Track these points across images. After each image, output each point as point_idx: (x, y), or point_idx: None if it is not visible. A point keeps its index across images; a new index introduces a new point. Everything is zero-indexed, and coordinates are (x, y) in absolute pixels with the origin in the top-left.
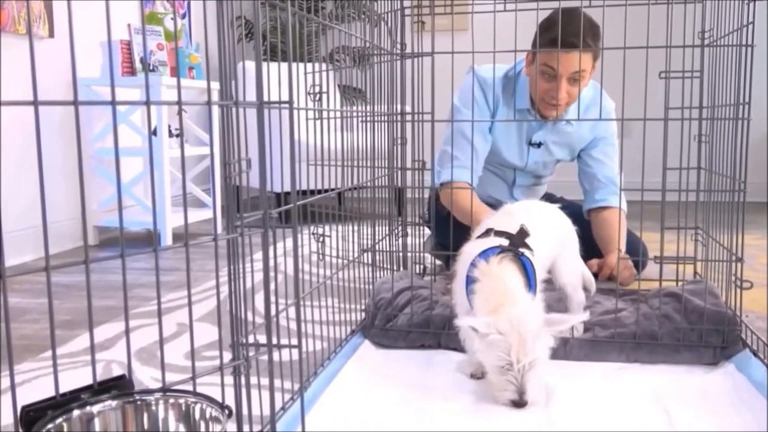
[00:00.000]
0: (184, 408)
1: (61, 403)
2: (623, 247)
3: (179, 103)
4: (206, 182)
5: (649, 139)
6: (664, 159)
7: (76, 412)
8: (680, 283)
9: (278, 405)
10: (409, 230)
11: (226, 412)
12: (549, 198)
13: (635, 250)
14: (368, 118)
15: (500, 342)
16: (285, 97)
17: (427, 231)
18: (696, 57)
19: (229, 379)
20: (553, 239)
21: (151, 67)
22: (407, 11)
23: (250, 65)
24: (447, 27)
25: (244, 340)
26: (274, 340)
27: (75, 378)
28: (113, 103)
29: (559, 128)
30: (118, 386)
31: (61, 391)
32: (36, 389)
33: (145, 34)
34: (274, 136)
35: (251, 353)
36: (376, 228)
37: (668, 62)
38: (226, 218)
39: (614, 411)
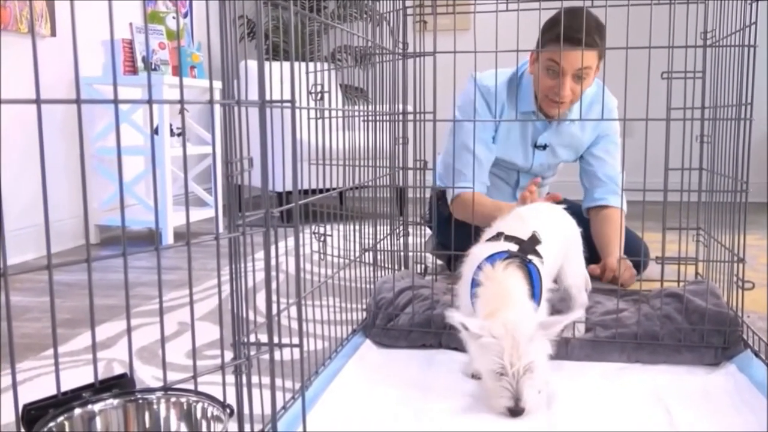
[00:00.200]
0: (185, 407)
1: (63, 401)
2: (622, 251)
3: (181, 101)
4: (207, 181)
5: (651, 140)
6: (666, 159)
7: (77, 411)
8: (682, 284)
9: (279, 404)
10: (410, 230)
11: (228, 411)
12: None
13: (636, 250)
14: (370, 118)
15: (493, 346)
16: (287, 96)
17: (428, 231)
18: (698, 57)
19: (230, 378)
20: (561, 243)
21: (152, 66)
22: (409, 11)
23: (252, 64)
24: (449, 27)
25: (246, 339)
26: (276, 340)
27: (76, 377)
28: (115, 101)
29: (564, 129)
30: (120, 385)
31: (63, 389)
32: (37, 388)
33: (147, 33)
34: (275, 136)
35: (252, 352)
36: (378, 227)
37: (670, 62)
38: (228, 217)
39: (615, 411)
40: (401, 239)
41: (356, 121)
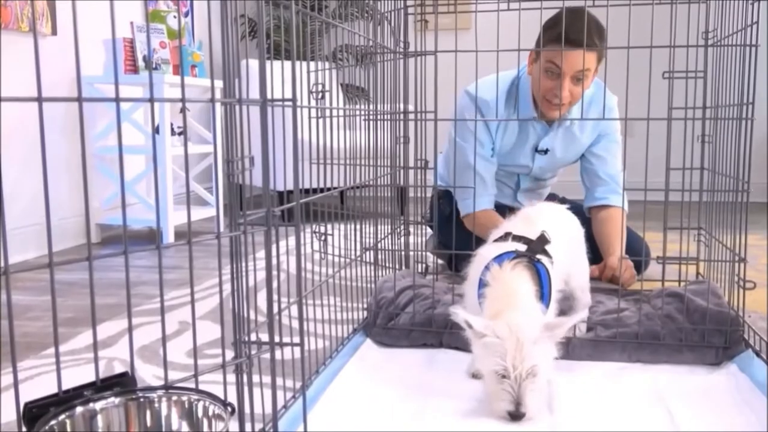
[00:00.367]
0: (186, 405)
1: (64, 399)
2: (623, 251)
3: (183, 100)
4: (208, 180)
5: (652, 139)
6: (668, 159)
7: (79, 409)
8: (683, 284)
9: (280, 403)
10: (411, 229)
11: (229, 409)
12: (551, 198)
13: (638, 250)
14: (371, 117)
15: (497, 346)
16: (288, 95)
17: (429, 230)
18: (700, 57)
19: (231, 377)
20: (568, 244)
21: (153, 66)
22: (410, 10)
23: (254, 63)
24: (450, 26)
25: (247, 338)
26: (277, 339)
27: (77, 376)
28: (117, 100)
29: (565, 133)
30: (121, 383)
31: (64, 388)
32: (37, 387)
33: (149, 32)
34: (276, 135)
35: (253, 351)
36: (378, 227)
37: (672, 62)
38: (229, 216)
39: (616, 411)
40: (402, 238)
41: (357, 120)
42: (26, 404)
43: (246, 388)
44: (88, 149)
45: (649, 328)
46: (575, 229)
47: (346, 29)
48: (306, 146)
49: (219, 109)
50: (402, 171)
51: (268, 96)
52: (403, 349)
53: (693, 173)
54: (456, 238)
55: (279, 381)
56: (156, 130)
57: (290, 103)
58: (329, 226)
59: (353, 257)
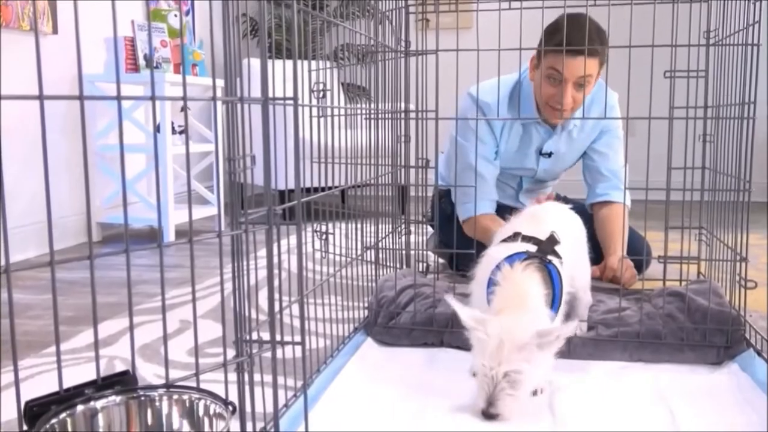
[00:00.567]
0: (188, 404)
1: (65, 398)
2: (624, 247)
3: (184, 98)
4: (208, 179)
5: (654, 138)
6: (669, 158)
7: (80, 408)
8: (684, 283)
9: (281, 402)
10: (412, 228)
11: (230, 408)
12: (555, 198)
13: (639, 249)
14: (372, 116)
15: (485, 344)
16: (289, 94)
17: (430, 229)
18: (701, 56)
19: (232, 376)
20: (573, 244)
21: (154, 64)
22: (411, 8)
23: (255, 62)
24: (451, 25)
25: (248, 337)
26: (278, 337)
27: (77, 374)
28: (118, 98)
29: (568, 136)
30: (122, 382)
31: (64, 387)
32: (38, 385)
33: (150, 31)
34: (278, 134)
35: (254, 350)
36: (379, 226)
37: (673, 61)
38: (230, 215)
39: (618, 410)
40: (403, 237)
41: (358, 119)
42: (27, 402)
43: (247, 387)
44: (89, 148)
45: (651, 327)
46: (579, 229)
47: (347, 28)
48: (307, 145)
49: (220, 107)
50: (403, 170)
51: (270, 94)
52: (404, 348)
53: (694, 172)
54: (457, 238)
55: (280, 380)
56: (157, 129)
57: (291, 102)
58: (330, 225)
59: (354, 256)
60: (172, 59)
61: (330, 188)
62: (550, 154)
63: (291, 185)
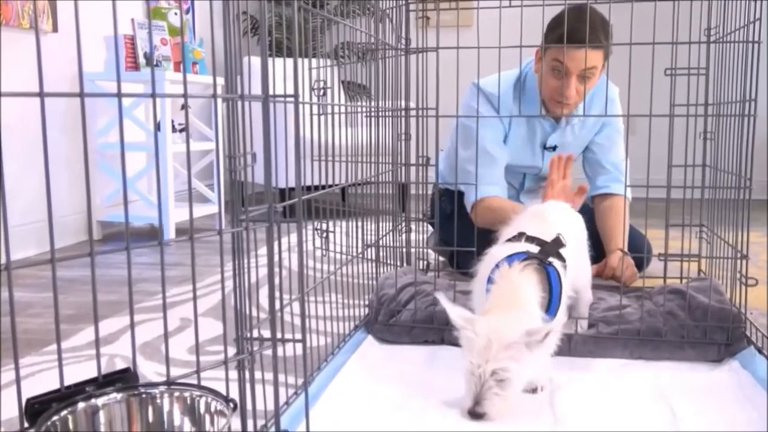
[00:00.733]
0: (189, 402)
1: (66, 395)
2: (625, 243)
3: (185, 96)
4: (209, 178)
5: (655, 136)
6: (670, 156)
7: (81, 405)
8: (685, 280)
9: (282, 399)
10: (412, 226)
11: (231, 405)
12: None
13: (639, 247)
14: (372, 114)
15: (473, 343)
16: (289, 91)
17: (431, 227)
18: (702, 54)
19: (233, 374)
20: (575, 244)
21: (155, 62)
22: (411, 6)
23: (255, 60)
24: (452, 22)
25: (249, 335)
26: (278, 335)
27: (78, 372)
28: (119, 95)
29: (572, 129)
30: (123, 379)
31: (65, 384)
32: (39, 383)
33: (151, 29)
34: (278, 132)
35: (255, 348)
36: (380, 224)
37: (674, 59)
38: (231, 213)
39: (618, 407)
40: (403, 235)
41: (359, 117)
42: (28, 400)
43: (248, 385)
44: (89, 146)
45: (651, 324)
46: (580, 228)
47: (347, 26)
48: (308, 143)
49: (220, 105)
50: (403, 168)
51: (270, 92)
52: (405, 345)
53: (695, 170)
54: (457, 236)
55: (281, 377)
56: (157, 127)
57: (292, 99)
58: (331, 223)
59: (355, 254)
60: (173, 57)
61: (330, 186)
62: (554, 148)
63: (291, 183)
